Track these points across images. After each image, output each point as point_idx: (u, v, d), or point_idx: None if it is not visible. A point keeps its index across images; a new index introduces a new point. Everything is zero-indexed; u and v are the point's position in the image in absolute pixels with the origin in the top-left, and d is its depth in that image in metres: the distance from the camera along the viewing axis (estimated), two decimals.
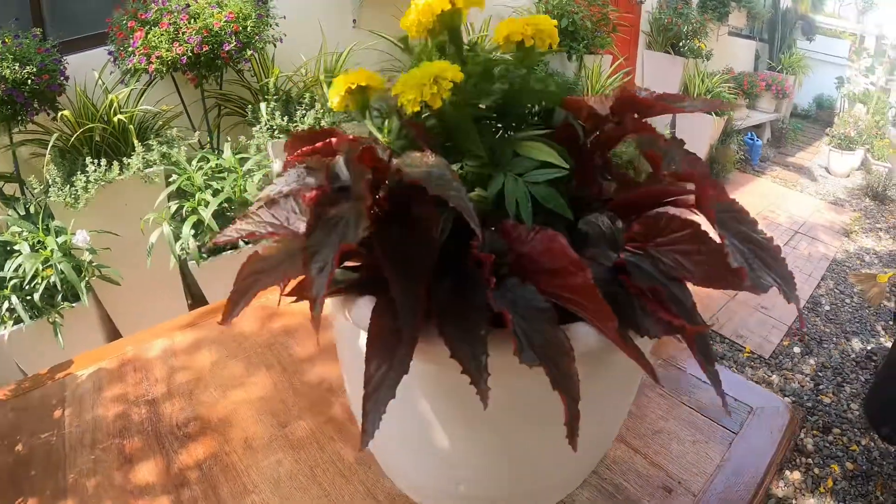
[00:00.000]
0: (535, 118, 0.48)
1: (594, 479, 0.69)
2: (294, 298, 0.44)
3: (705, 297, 3.13)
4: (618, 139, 0.49)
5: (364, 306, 0.40)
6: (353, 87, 0.46)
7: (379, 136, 0.48)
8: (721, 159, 5.07)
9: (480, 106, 0.44)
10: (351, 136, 0.47)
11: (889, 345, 3.02)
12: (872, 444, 2.36)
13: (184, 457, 0.76)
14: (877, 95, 7.05)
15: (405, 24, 0.47)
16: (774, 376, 2.71)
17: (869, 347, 3.00)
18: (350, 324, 0.43)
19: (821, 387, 2.68)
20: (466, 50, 0.47)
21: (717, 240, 0.40)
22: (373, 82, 0.47)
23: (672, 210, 0.45)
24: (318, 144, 0.47)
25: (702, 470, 0.70)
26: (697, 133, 4.92)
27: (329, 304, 0.46)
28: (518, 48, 0.46)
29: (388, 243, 0.37)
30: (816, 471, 2.23)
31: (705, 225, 0.42)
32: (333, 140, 0.46)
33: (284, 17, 2.56)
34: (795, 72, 7.12)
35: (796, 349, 2.90)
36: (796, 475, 2.22)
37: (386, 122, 0.48)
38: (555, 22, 0.47)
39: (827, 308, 3.31)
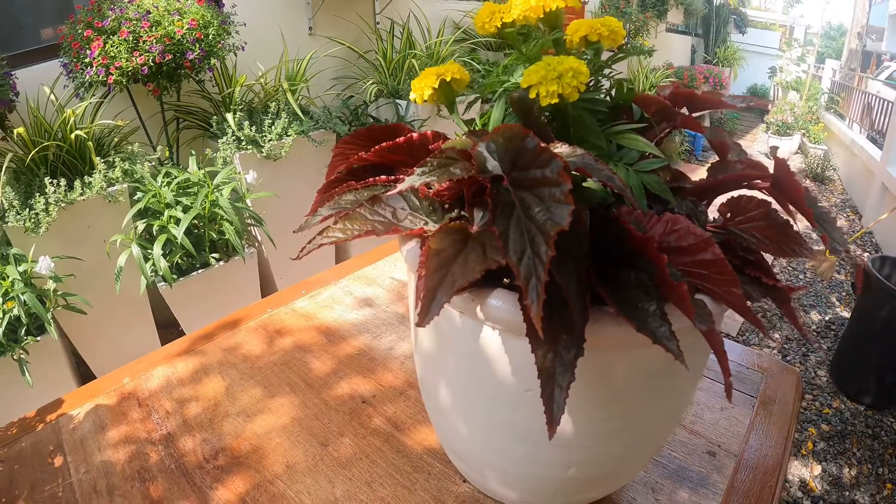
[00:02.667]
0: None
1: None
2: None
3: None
4: (667, 130, 0.52)
5: (500, 300, 0.40)
6: (443, 79, 0.46)
7: (465, 128, 0.46)
8: (667, 151, 5.24)
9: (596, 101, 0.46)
10: (426, 132, 0.45)
11: (845, 315, 3.18)
12: (843, 405, 2.55)
13: (222, 492, 0.69)
14: (809, 83, 7.45)
15: (478, 21, 0.50)
16: None
17: (827, 318, 3.16)
18: (470, 321, 0.41)
19: (788, 358, 2.81)
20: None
21: (784, 216, 0.46)
22: (461, 75, 0.47)
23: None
24: (397, 140, 0.43)
25: (736, 433, 0.78)
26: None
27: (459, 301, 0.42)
28: (590, 46, 0.49)
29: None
30: (796, 435, 2.34)
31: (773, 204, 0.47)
32: (427, 133, 0.43)
33: (245, 25, 2.46)
34: (731, 64, 7.47)
35: None
36: None
37: (478, 117, 0.47)
38: (620, 23, 0.51)
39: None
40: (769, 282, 0.42)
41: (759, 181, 0.47)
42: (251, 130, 2.37)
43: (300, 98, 2.72)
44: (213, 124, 2.41)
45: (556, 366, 0.34)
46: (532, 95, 0.39)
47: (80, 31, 1.87)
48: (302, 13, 3.13)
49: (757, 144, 6.88)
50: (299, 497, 0.67)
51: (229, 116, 2.33)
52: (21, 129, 1.73)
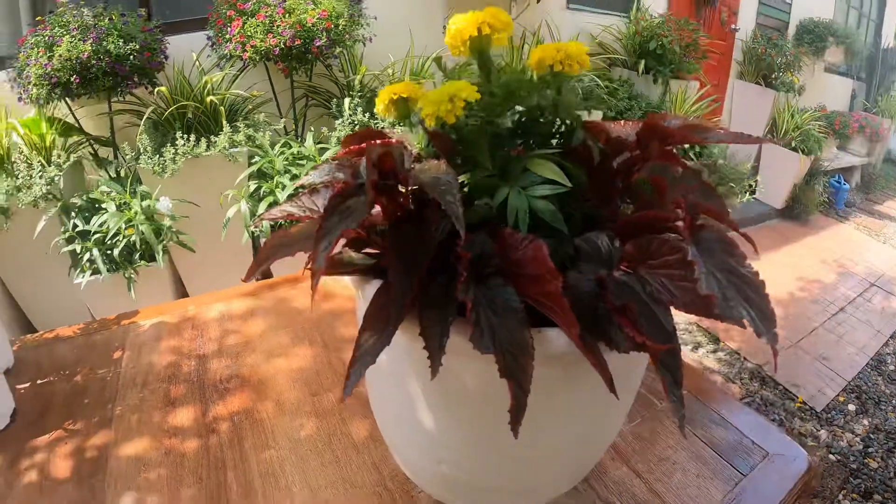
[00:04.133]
0: (561, 138, 0.51)
1: (590, 493, 0.69)
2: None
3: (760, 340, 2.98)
4: (641, 164, 0.50)
5: (373, 287, 0.45)
6: (396, 97, 0.50)
7: (414, 143, 0.51)
8: (803, 199, 4.82)
9: (501, 122, 0.48)
10: (395, 140, 0.50)
11: None
12: None
13: (219, 408, 0.81)
14: None
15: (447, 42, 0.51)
16: (823, 431, 2.55)
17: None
18: (363, 301, 0.47)
19: (870, 450, 2.48)
20: (498, 71, 0.51)
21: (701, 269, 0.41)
22: (414, 94, 0.50)
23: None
24: (361, 145, 0.51)
25: None
26: (781, 170, 4.70)
27: (350, 283, 0.51)
28: (550, 72, 0.50)
29: (397, 237, 0.43)
30: None
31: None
32: (374, 143, 0.49)
33: (376, 18, 2.66)
34: (893, 115, 6.63)
35: (851, 406, 2.72)
36: None
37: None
38: (586, 49, 0.50)
39: (892, 368, 3.08)
40: (631, 334, 0.39)
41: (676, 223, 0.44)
42: (364, 116, 2.56)
43: None
44: (333, 106, 2.64)
45: (371, 348, 0.39)
46: (422, 116, 0.44)
47: (224, 10, 2.15)
48: (437, 12, 3.29)
49: None
50: (273, 429, 0.77)
51: (346, 101, 2.54)
52: (164, 88, 2.03)
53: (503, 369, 0.38)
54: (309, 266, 0.39)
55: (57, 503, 0.68)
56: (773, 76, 4.94)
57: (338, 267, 0.48)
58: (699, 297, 0.39)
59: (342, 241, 0.47)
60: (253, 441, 0.75)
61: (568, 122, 0.50)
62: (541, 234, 0.42)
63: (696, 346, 2.99)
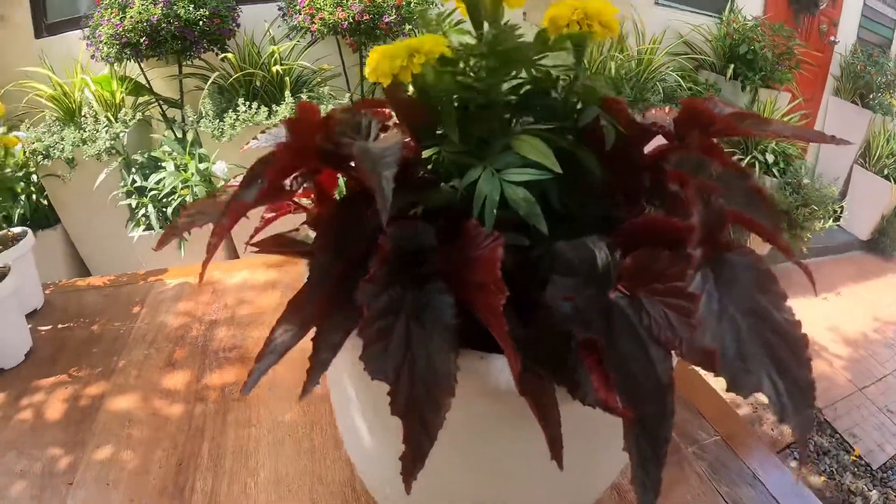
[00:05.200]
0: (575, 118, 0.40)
1: None
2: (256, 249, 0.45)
3: (826, 381, 2.77)
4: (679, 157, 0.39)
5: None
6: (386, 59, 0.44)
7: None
8: (891, 233, 4.42)
9: (494, 92, 0.39)
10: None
11: None
12: None
13: (214, 377, 0.81)
14: None
15: None
16: (875, 492, 2.33)
17: None
18: None
19: None
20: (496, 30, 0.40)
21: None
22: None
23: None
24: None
25: None
26: (870, 198, 4.33)
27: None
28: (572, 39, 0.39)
29: (329, 219, 0.36)
30: None
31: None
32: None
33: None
34: None
35: None
36: None
37: None
38: (616, 10, 0.39)
39: None
40: (594, 383, 0.30)
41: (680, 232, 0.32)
42: None
43: None
44: None
45: (278, 345, 0.34)
46: (377, 72, 0.36)
47: None
48: None
49: None
50: (258, 407, 0.75)
51: None
52: (231, 55, 2.08)
53: (401, 403, 0.29)
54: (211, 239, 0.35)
55: (42, 442, 0.70)
56: (871, 96, 4.53)
57: (284, 245, 0.43)
58: (695, 344, 0.29)
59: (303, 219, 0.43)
60: (236, 416, 0.74)
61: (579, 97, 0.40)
62: (525, 233, 0.34)
63: None
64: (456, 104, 0.38)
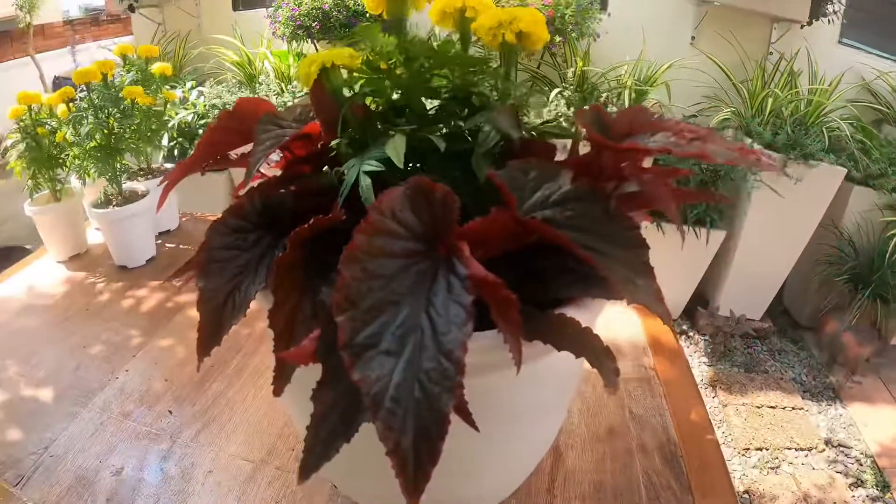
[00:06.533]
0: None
1: None
2: None
3: None
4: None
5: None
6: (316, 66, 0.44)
7: None
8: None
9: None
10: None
11: None
12: None
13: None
14: None
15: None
16: None
17: None
18: None
19: None
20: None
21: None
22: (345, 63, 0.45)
23: None
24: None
25: None
26: None
27: None
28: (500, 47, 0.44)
29: (262, 188, 0.43)
30: None
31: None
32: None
33: (609, 15, 2.60)
34: None
35: None
36: None
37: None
38: (541, 17, 0.43)
39: None
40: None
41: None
42: (568, 109, 2.56)
43: (644, 100, 2.75)
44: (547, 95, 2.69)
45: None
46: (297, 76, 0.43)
47: None
48: (687, 20, 3.07)
49: None
50: (243, 395, 0.89)
51: (554, 92, 2.57)
52: None
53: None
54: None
55: (128, 324, 0.91)
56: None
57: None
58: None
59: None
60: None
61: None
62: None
63: (857, 484, 2.04)
64: (379, 106, 0.46)
